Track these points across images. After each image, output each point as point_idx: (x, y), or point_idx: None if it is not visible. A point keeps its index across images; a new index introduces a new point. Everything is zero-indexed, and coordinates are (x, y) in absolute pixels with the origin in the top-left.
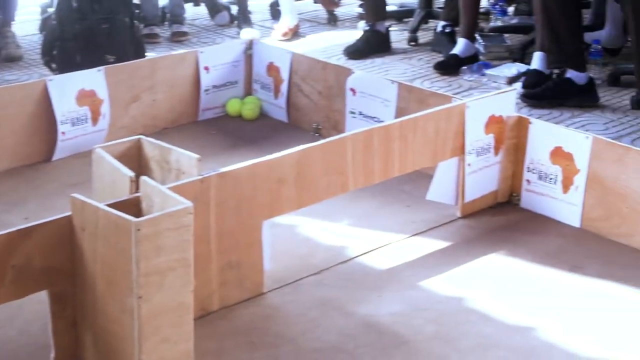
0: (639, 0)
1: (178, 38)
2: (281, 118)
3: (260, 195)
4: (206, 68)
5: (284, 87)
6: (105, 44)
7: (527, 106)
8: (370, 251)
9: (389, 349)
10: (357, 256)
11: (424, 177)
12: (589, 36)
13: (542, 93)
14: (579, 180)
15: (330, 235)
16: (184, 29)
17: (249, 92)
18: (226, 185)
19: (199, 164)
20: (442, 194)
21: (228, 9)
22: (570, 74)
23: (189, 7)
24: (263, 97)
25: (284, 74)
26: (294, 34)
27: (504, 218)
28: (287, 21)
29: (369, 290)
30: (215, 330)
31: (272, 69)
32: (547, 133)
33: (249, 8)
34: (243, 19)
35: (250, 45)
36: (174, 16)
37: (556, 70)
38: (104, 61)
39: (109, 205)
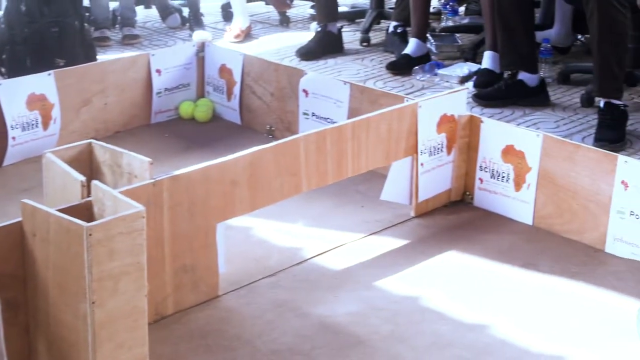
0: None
1: (129, 41)
2: (234, 120)
3: (214, 197)
4: (158, 71)
5: (236, 89)
6: (55, 47)
7: (478, 105)
8: (326, 252)
9: (345, 349)
10: (312, 257)
11: (378, 177)
12: (538, 35)
13: (493, 94)
14: (531, 178)
15: (285, 236)
16: (135, 31)
17: (201, 94)
18: (179, 188)
19: (152, 167)
20: (396, 194)
21: (179, 11)
22: (522, 75)
23: (140, 10)
24: (216, 99)
25: (237, 76)
26: (246, 35)
27: (457, 217)
28: (239, 23)
29: (324, 291)
30: (171, 334)
31: (224, 71)
32: (499, 132)
33: (201, 10)
34: (195, 21)
35: (202, 48)
36: (125, 19)
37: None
38: (54, 65)
39: (60, 210)
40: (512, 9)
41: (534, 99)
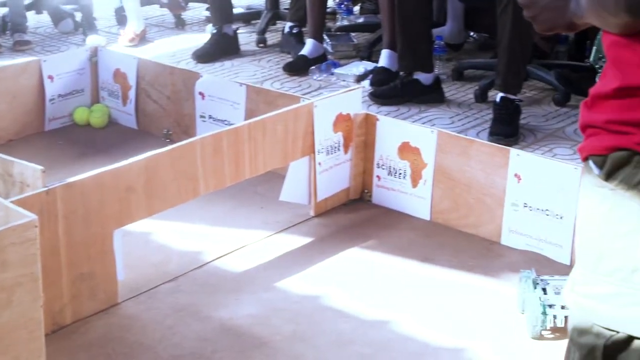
0: None
1: (20, 47)
2: (130, 125)
3: (109, 204)
4: (50, 77)
5: (131, 94)
6: None
7: (375, 104)
8: (226, 255)
9: (247, 351)
10: (212, 260)
11: (277, 177)
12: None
13: (389, 92)
14: (427, 174)
15: (185, 240)
16: (27, 37)
17: (96, 99)
18: (73, 195)
19: (45, 176)
20: (295, 194)
21: (72, 16)
22: (418, 74)
23: (31, 15)
24: (111, 105)
25: (131, 80)
26: (141, 39)
27: (356, 215)
28: (133, 27)
29: (225, 293)
30: (70, 344)
31: (118, 75)
32: (394, 129)
33: (94, 14)
34: (88, 25)
35: (95, 53)
36: (16, 25)
37: None
38: None
39: None
40: (413, 13)
41: (429, 96)
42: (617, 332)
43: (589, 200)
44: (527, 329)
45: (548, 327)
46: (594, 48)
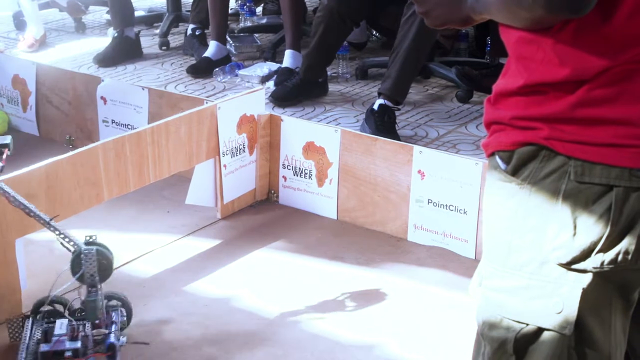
0: None
1: None
2: (32, 132)
3: (10, 212)
4: None
5: (31, 100)
6: None
7: (277, 105)
8: (133, 260)
9: (156, 357)
10: (119, 266)
11: (183, 181)
12: None
13: (289, 92)
14: (332, 173)
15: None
16: None
17: None
18: None
19: None
20: (201, 197)
21: None
22: None
23: None
24: (11, 111)
25: (31, 86)
26: (41, 44)
27: (264, 216)
28: (32, 32)
29: (133, 299)
30: None
31: (17, 81)
32: (299, 129)
33: None
34: None
35: None
36: None
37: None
38: None
39: None
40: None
41: (320, 91)
42: (527, 324)
43: (496, 196)
44: None
45: None
46: None
